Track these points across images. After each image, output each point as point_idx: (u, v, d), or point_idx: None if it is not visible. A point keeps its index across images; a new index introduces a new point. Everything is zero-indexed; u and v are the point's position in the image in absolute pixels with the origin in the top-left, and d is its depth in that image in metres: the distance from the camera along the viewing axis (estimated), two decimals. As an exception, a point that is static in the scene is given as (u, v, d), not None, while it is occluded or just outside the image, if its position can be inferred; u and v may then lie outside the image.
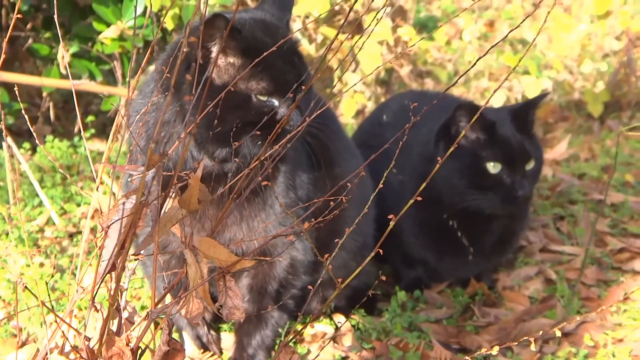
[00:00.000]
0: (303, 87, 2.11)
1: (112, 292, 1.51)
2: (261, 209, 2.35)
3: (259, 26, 2.20)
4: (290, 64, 2.19)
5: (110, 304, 1.47)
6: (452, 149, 1.70)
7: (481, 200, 2.79)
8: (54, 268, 2.98)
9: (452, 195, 2.83)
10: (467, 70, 1.51)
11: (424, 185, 1.65)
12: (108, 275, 1.62)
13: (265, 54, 1.77)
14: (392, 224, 1.63)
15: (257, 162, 1.71)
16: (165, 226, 1.66)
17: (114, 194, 1.62)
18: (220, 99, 1.74)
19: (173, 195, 1.69)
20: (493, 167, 2.76)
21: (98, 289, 1.62)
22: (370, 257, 1.68)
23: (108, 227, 1.62)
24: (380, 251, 1.68)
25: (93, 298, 1.62)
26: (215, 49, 2.09)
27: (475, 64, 1.52)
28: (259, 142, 2.13)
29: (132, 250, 1.65)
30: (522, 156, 2.78)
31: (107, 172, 1.80)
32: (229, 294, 1.72)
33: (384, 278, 1.62)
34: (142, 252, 1.72)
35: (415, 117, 1.71)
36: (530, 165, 2.79)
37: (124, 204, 1.64)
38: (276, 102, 2.15)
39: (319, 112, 1.83)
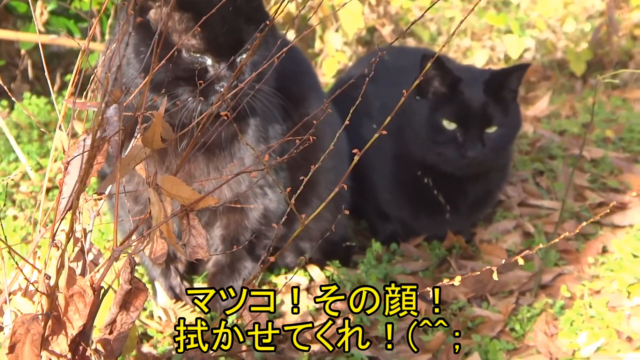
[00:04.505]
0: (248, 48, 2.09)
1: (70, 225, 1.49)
2: (229, 161, 2.33)
3: None
4: (231, 25, 2.14)
5: (67, 237, 1.45)
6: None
7: (438, 156, 2.77)
8: (28, 221, 2.96)
9: (417, 148, 2.82)
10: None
11: (385, 124, 1.63)
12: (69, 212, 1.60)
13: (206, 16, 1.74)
14: (356, 158, 1.62)
15: (196, 122, 1.70)
16: (128, 165, 1.64)
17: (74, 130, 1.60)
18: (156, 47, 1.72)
19: (138, 136, 1.67)
20: (448, 124, 2.73)
21: (59, 227, 1.61)
22: (332, 195, 1.66)
23: (68, 163, 1.60)
24: (345, 187, 1.67)
25: (53, 235, 1.59)
26: None
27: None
28: (195, 98, 2.10)
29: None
30: (480, 118, 2.72)
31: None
32: (193, 232, 1.70)
33: (347, 212, 1.60)
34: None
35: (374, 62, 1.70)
36: (491, 130, 2.75)
37: (84, 140, 1.62)
38: (209, 61, 2.13)
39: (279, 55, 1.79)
